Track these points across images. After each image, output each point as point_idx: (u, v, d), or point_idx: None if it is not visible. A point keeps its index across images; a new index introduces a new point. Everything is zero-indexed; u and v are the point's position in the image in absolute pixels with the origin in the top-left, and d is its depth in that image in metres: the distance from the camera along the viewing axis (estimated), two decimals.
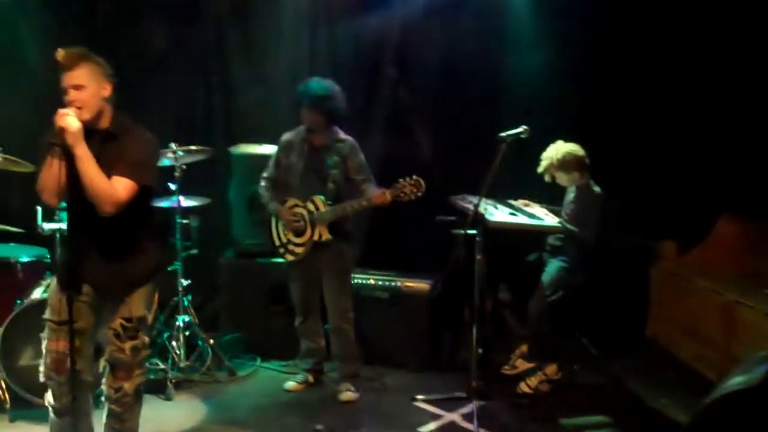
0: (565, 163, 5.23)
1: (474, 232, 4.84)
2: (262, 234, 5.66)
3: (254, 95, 6.42)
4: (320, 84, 5.00)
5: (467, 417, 4.84)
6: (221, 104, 6.60)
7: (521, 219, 5.11)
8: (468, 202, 5.17)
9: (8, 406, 4.81)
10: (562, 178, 5.30)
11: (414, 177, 4.73)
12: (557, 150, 5.26)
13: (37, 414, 4.57)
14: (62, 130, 3.45)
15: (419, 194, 4.73)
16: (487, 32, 6.05)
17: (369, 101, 6.18)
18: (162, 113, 6.07)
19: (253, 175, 5.76)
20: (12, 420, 4.77)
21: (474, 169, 5.62)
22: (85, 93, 3.58)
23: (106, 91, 3.67)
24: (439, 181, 4.85)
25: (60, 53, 3.56)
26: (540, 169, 5.32)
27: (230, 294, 6.07)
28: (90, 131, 3.55)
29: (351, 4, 6.19)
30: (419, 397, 5.12)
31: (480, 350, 4.97)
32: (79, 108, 3.54)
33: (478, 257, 4.83)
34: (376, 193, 4.85)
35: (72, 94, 3.57)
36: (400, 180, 4.76)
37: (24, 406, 4.80)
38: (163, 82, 6.31)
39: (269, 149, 5.83)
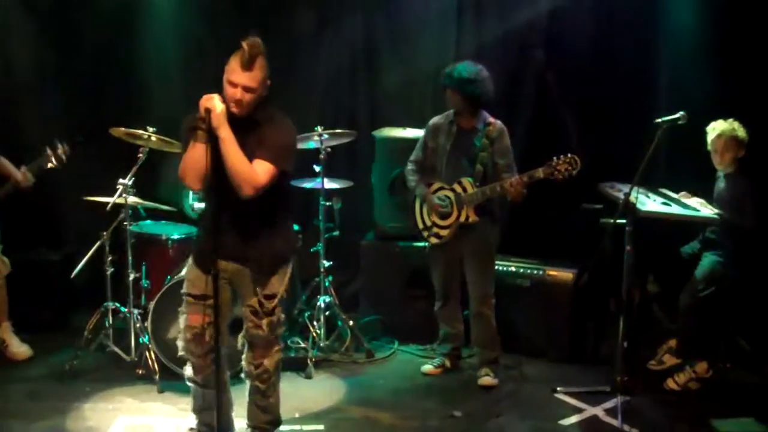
0: (737, 142, 4.96)
1: (624, 221, 4.66)
2: (404, 217, 5.69)
3: (399, 79, 6.44)
4: (467, 67, 4.95)
5: (611, 412, 4.68)
6: (366, 88, 6.64)
7: (675, 209, 4.88)
8: (617, 190, 5.00)
9: (158, 377, 5.01)
10: (720, 158, 5.02)
11: (569, 154, 4.61)
12: (732, 125, 4.99)
13: (185, 386, 4.69)
14: (208, 112, 3.50)
15: (574, 172, 4.60)
16: (639, 12, 5.84)
17: (515, 85, 6.07)
18: (307, 96, 6.17)
19: (395, 159, 5.83)
20: (161, 391, 4.97)
21: (623, 155, 5.49)
22: (251, 96, 3.61)
23: (265, 91, 3.71)
24: (587, 167, 4.69)
25: (246, 47, 3.54)
26: (710, 138, 5.05)
27: (370, 276, 6.13)
28: (234, 117, 3.59)
29: None
30: (560, 389, 5.00)
31: (625, 344, 4.81)
32: (238, 108, 3.60)
33: (628, 248, 4.65)
34: (524, 175, 4.76)
35: (240, 93, 3.58)
36: (554, 158, 4.64)
37: (172, 377, 4.99)
38: (309, 66, 6.42)
39: (412, 133, 5.85)
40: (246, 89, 3.59)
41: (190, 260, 4.02)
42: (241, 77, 3.57)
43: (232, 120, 3.58)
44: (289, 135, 3.80)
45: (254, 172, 3.60)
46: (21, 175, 5.32)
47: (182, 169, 3.68)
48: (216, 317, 3.67)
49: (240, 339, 4.03)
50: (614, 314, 5.03)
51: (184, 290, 3.94)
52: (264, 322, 3.87)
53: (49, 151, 5.29)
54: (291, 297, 4.98)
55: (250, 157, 3.61)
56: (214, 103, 3.52)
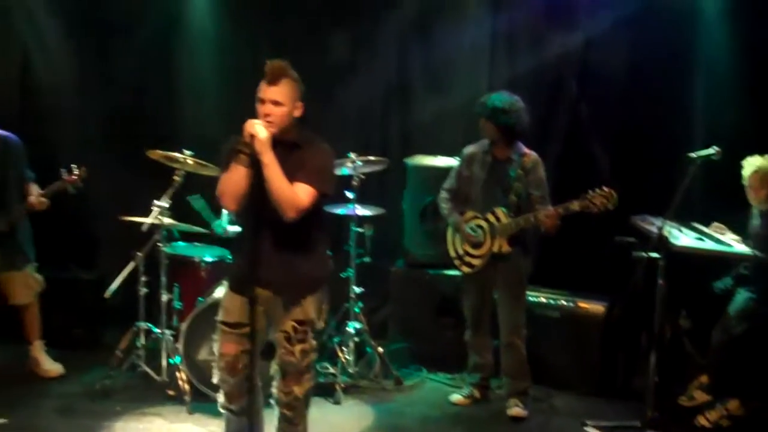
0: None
1: (657, 255, 4.65)
2: (435, 245, 5.71)
3: (432, 108, 6.48)
4: (502, 97, 4.99)
5: None
6: (399, 116, 6.69)
7: (708, 244, 4.86)
8: (649, 223, 4.98)
9: (188, 398, 5.04)
10: (756, 194, 4.99)
11: (605, 188, 4.61)
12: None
13: (215, 408, 4.70)
14: (252, 138, 3.55)
15: (610, 206, 4.60)
16: (676, 46, 5.83)
17: (549, 116, 6.08)
18: (341, 124, 6.23)
19: (427, 187, 5.87)
20: (191, 412, 4.99)
21: (655, 188, 5.47)
22: (280, 110, 3.67)
23: (298, 111, 3.77)
24: (618, 200, 4.69)
25: (269, 65, 3.67)
26: (746, 173, 5.02)
27: (400, 303, 6.14)
28: (274, 141, 3.63)
29: (534, 19, 6.12)
30: (590, 422, 4.96)
31: (656, 378, 4.77)
32: (270, 122, 3.65)
33: (661, 282, 4.64)
34: (559, 207, 4.77)
35: (268, 108, 3.66)
36: (589, 191, 4.65)
37: (203, 399, 5.03)
38: (343, 94, 6.49)
39: (444, 161, 5.90)
40: (274, 103, 3.66)
41: (225, 287, 4.05)
42: (267, 92, 3.68)
43: (274, 142, 3.63)
44: (328, 158, 3.86)
45: (297, 195, 3.64)
46: (34, 198, 5.38)
47: (220, 189, 3.73)
48: (252, 345, 3.68)
49: (273, 366, 4.04)
50: (645, 348, 5.00)
51: (218, 318, 3.95)
52: (296, 348, 3.87)
53: (64, 176, 5.34)
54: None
55: (290, 179, 3.65)
56: (258, 129, 3.57)
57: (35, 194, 5.39)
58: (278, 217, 3.65)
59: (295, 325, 3.86)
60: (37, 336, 5.65)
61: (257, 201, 3.66)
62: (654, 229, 4.71)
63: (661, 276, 4.65)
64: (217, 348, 3.95)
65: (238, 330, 3.80)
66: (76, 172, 5.34)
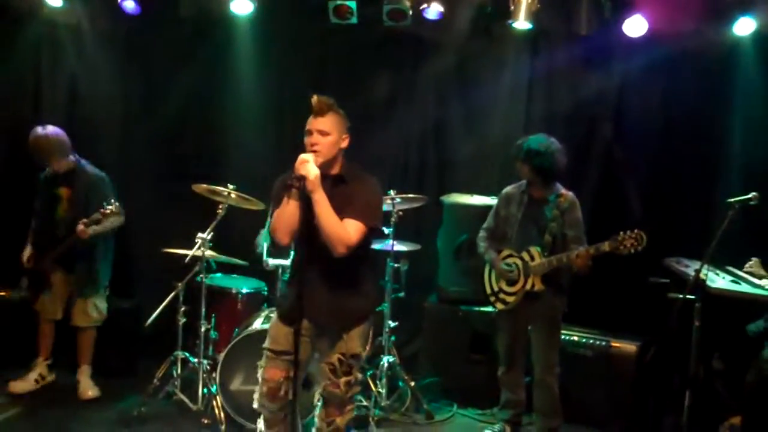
0: None
1: (692, 297, 4.71)
2: (468, 282, 5.79)
3: (468, 148, 6.58)
4: (538, 139, 5.10)
5: None
6: (436, 155, 6.78)
7: (744, 287, 4.91)
8: (684, 265, 5.04)
9: (224, 427, 5.12)
10: None
11: (636, 230, 4.69)
12: None
13: None
14: (302, 178, 3.65)
15: (640, 248, 4.67)
16: (710, 90, 5.91)
17: (583, 158, 6.16)
18: (379, 161, 6.33)
19: (462, 224, 5.97)
20: None
21: (687, 231, 5.55)
22: (327, 139, 3.80)
23: (344, 142, 3.90)
24: (651, 241, 4.76)
25: (314, 99, 3.81)
26: None
27: (432, 338, 6.20)
28: (322, 175, 3.73)
29: (571, 63, 6.23)
30: None
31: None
32: (317, 152, 3.77)
33: (696, 323, 4.69)
34: (590, 247, 4.85)
35: (315, 138, 3.79)
36: (620, 232, 4.73)
37: (237, 428, 5.12)
38: (382, 132, 6.60)
39: (479, 200, 5.99)
40: (320, 133, 3.79)
41: (274, 316, 4.14)
42: (314, 123, 3.81)
43: (322, 177, 3.72)
44: (376, 193, 3.96)
45: (346, 231, 3.74)
46: (80, 226, 5.49)
47: (274, 224, 3.84)
48: (296, 373, 3.76)
49: (316, 395, 4.12)
50: (678, 389, 5.02)
51: (265, 345, 4.04)
52: (342, 381, 3.94)
53: (104, 209, 5.43)
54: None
55: (339, 214, 3.75)
56: (308, 168, 3.67)
57: (81, 223, 5.48)
58: (327, 251, 3.75)
59: (341, 357, 3.93)
60: (86, 361, 5.82)
61: (307, 236, 3.76)
62: (689, 271, 4.77)
63: (696, 317, 4.70)
64: (260, 373, 4.03)
65: (283, 357, 3.89)
66: (109, 208, 5.42)
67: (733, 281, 4.94)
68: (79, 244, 5.52)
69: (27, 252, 5.82)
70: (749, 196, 4.61)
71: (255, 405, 4.08)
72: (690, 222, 5.69)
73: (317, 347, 4.04)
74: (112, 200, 5.44)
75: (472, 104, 6.59)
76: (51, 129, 5.58)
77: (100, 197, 5.56)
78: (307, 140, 3.82)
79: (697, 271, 4.62)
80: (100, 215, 5.40)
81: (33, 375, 5.83)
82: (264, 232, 5.63)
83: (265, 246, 5.57)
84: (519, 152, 5.12)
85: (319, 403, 4.07)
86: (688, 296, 4.67)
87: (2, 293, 6.22)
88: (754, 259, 5.16)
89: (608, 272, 5.30)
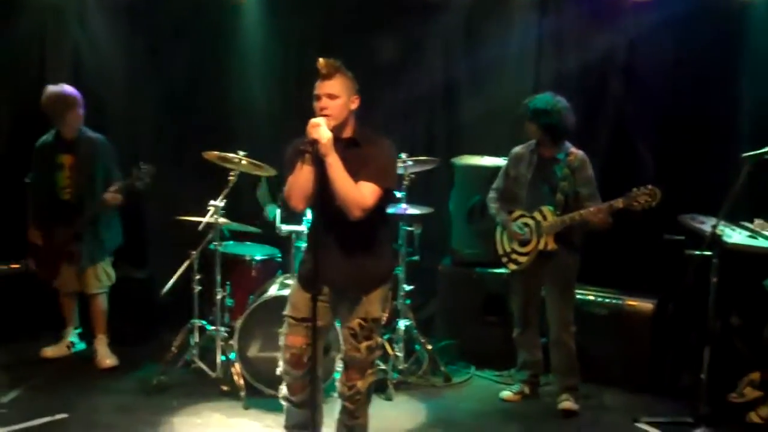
0: None
1: (709, 253, 4.69)
2: (482, 244, 5.78)
3: (478, 108, 6.52)
4: (544, 98, 5.07)
5: None
6: (445, 116, 6.75)
7: (761, 242, 4.89)
8: (699, 222, 5.01)
9: (243, 394, 5.13)
10: None
11: (649, 186, 4.66)
12: None
13: (269, 403, 4.88)
14: (315, 141, 3.63)
15: (653, 204, 4.66)
16: (722, 43, 5.82)
17: (595, 115, 6.10)
18: (389, 124, 6.28)
19: (474, 186, 5.95)
20: (246, 407, 5.08)
21: (701, 187, 5.51)
22: (336, 102, 3.76)
23: (354, 103, 3.85)
24: (665, 198, 4.74)
25: (320, 62, 3.76)
26: None
27: (447, 301, 6.21)
28: (334, 138, 3.70)
29: (580, 20, 6.16)
30: (643, 418, 5.00)
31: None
32: (328, 116, 3.73)
33: (714, 280, 4.68)
34: (603, 204, 4.83)
35: (324, 102, 3.75)
36: (634, 189, 4.71)
37: (257, 394, 5.13)
38: (391, 94, 6.53)
39: (491, 161, 5.96)
40: (329, 96, 3.75)
41: (294, 283, 4.14)
42: (321, 87, 3.77)
43: (334, 140, 3.69)
44: (390, 154, 3.93)
45: (362, 194, 3.71)
46: (109, 194, 5.54)
47: (287, 191, 3.82)
48: (314, 339, 3.76)
49: (337, 360, 4.13)
50: (695, 345, 5.02)
51: (286, 312, 4.03)
52: (362, 345, 3.94)
53: (134, 172, 5.47)
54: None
55: (353, 177, 3.72)
56: (321, 132, 3.64)
57: (110, 191, 5.55)
58: (343, 216, 3.73)
59: (361, 322, 3.93)
60: (102, 330, 5.85)
61: (322, 200, 3.73)
62: (706, 228, 4.76)
63: (714, 274, 4.70)
64: (282, 341, 4.03)
65: (305, 324, 3.88)
66: (144, 169, 5.46)
67: (749, 236, 4.92)
68: (104, 211, 5.57)
69: (34, 233, 5.79)
70: (765, 149, 4.57)
71: (278, 371, 4.09)
72: (704, 178, 5.63)
73: (338, 312, 4.04)
74: (141, 163, 5.47)
75: (480, 64, 6.52)
76: (67, 86, 5.62)
77: (106, 161, 5.61)
78: (316, 105, 3.79)
79: (714, 227, 4.60)
80: (132, 180, 5.43)
81: (65, 342, 5.96)
82: (264, 186, 5.62)
83: (278, 212, 5.55)
84: (526, 111, 5.10)
85: (340, 368, 4.08)
86: (704, 252, 4.67)
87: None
88: (757, 221, 5.13)
89: (623, 230, 5.28)
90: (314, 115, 3.74)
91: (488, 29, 6.48)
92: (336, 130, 3.76)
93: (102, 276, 5.78)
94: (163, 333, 6.10)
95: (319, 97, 3.78)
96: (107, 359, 5.77)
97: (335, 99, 3.76)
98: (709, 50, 5.84)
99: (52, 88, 5.59)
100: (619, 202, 4.78)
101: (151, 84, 6.77)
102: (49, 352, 5.91)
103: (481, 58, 6.50)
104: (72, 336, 6.01)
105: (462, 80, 6.63)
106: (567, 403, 5.13)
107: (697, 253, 4.69)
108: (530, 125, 5.10)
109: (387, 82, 6.52)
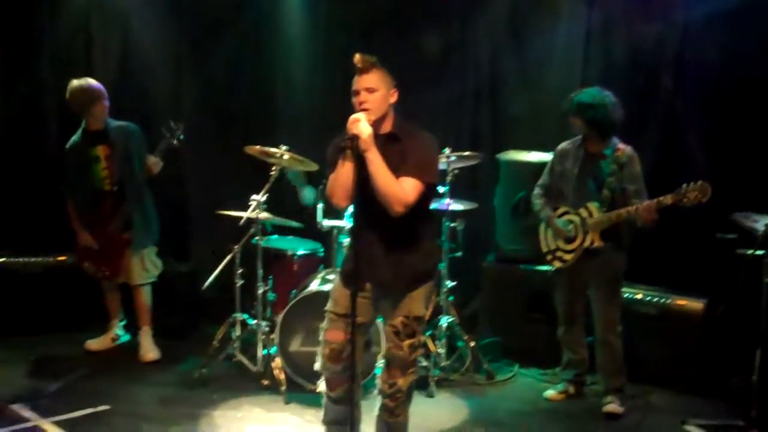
0: None
1: (762, 253, 4.55)
2: (526, 240, 5.69)
3: (524, 103, 6.44)
4: (590, 93, 4.96)
5: None
6: (491, 111, 6.66)
7: None
8: (753, 220, 4.86)
9: (284, 388, 5.13)
10: None
11: (699, 182, 4.53)
12: None
13: (310, 397, 4.85)
14: (355, 137, 3.59)
15: (704, 200, 4.52)
16: None
17: (644, 111, 5.94)
18: (433, 119, 6.22)
19: (519, 182, 5.87)
20: (287, 402, 5.07)
21: (754, 184, 5.34)
22: (375, 96, 3.71)
23: (393, 97, 3.80)
24: (716, 195, 4.60)
25: (357, 57, 3.72)
26: None
27: (490, 298, 6.15)
28: (374, 134, 3.66)
29: (628, 13, 6.02)
30: (691, 421, 4.88)
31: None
32: (367, 110, 3.69)
33: (766, 280, 4.54)
34: (651, 201, 4.71)
35: (363, 96, 3.71)
36: (683, 185, 4.58)
37: (297, 389, 5.12)
38: (435, 89, 6.48)
39: (536, 156, 5.86)
40: (367, 90, 3.71)
41: (336, 278, 4.11)
42: (359, 82, 3.73)
43: (374, 136, 3.66)
44: (431, 148, 3.85)
45: (403, 190, 3.66)
46: (151, 162, 5.70)
47: (330, 188, 3.79)
48: (353, 335, 3.71)
49: (379, 357, 4.08)
50: (746, 347, 4.88)
51: (327, 307, 4.00)
52: (405, 343, 3.88)
53: (165, 132, 5.65)
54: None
55: (394, 172, 3.67)
56: (360, 127, 3.60)
57: (151, 162, 5.70)
58: (385, 212, 3.68)
59: (404, 319, 3.87)
60: (146, 322, 5.91)
61: (363, 197, 3.68)
62: (759, 227, 4.61)
63: (766, 274, 4.55)
64: (322, 336, 4.00)
65: (346, 319, 3.83)
66: (174, 126, 5.66)
67: None
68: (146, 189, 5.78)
69: (84, 236, 5.82)
70: None
71: (317, 366, 4.05)
72: (759, 176, 5.46)
73: (380, 309, 4.00)
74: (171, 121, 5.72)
75: (527, 58, 6.44)
76: (91, 80, 5.69)
77: (139, 144, 5.72)
78: (355, 100, 3.75)
79: (767, 226, 4.46)
80: (168, 139, 5.71)
81: (109, 335, 6.04)
82: (309, 188, 5.61)
83: (320, 207, 5.53)
84: (570, 106, 5.00)
85: (382, 365, 4.03)
86: (757, 252, 4.53)
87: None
88: None
89: (674, 228, 5.16)
90: (354, 111, 3.70)
91: (535, 21, 6.39)
92: (376, 126, 3.71)
93: (149, 265, 5.84)
94: (205, 327, 6.14)
95: (357, 92, 3.75)
96: (150, 353, 5.81)
97: (374, 92, 3.72)
98: (765, 41, 5.64)
99: (76, 83, 5.64)
100: (667, 199, 4.65)
101: (194, 77, 6.81)
102: (93, 345, 5.99)
103: (528, 52, 6.42)
104: (117, 328, 6.08)
105: (508, 74, 6.55)
106: (611, 406, 5.02)
107: (750, 252, 4.55)
108: (575, 119, 5.00)
109: (431, 76, 6.49)
